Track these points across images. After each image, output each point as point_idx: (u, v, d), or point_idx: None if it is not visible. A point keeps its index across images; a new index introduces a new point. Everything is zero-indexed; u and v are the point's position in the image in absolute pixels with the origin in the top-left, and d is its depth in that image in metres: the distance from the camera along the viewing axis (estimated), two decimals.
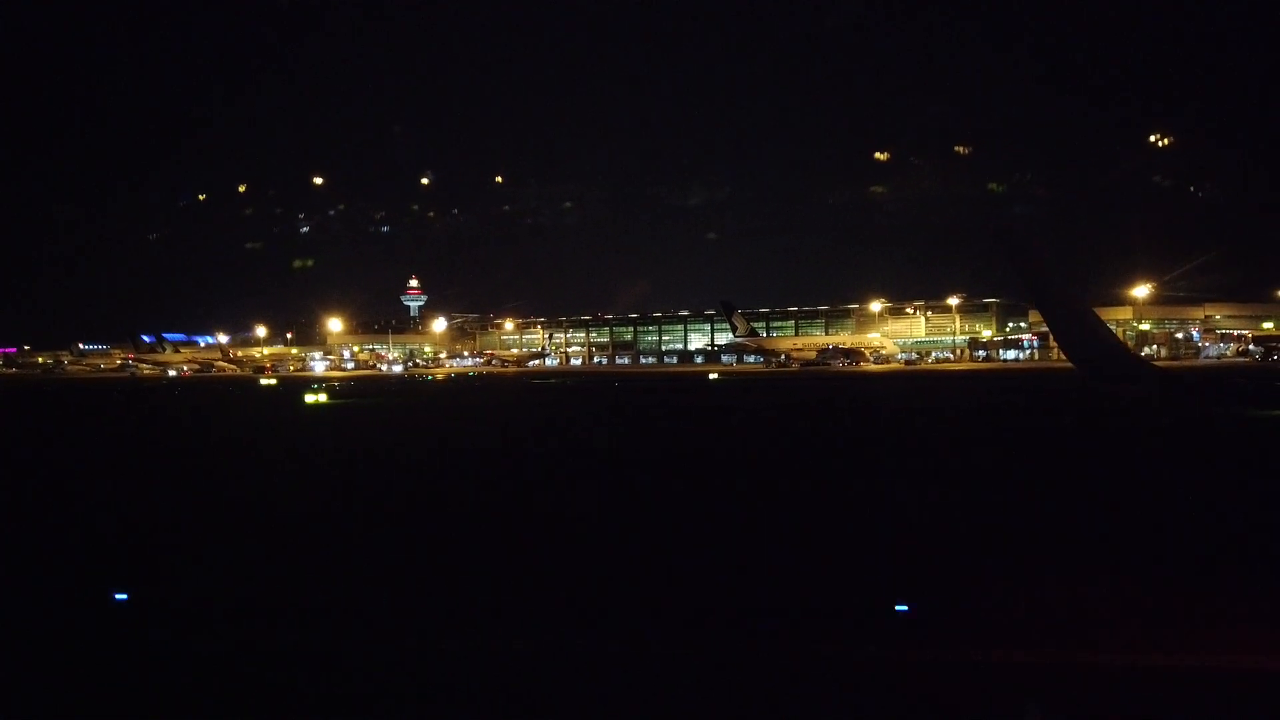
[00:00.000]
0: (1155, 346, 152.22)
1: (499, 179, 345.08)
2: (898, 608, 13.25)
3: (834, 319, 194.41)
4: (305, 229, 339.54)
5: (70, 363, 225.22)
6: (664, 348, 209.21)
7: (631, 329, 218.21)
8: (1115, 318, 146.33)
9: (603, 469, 29.76)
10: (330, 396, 72.43)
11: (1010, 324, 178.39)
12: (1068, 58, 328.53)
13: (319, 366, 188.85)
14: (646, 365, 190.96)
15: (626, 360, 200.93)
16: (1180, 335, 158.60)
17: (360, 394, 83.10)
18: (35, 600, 14.93)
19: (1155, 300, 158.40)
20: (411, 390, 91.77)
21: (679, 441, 38.18)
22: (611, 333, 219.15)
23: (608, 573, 16.11)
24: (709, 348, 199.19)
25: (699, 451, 33.56)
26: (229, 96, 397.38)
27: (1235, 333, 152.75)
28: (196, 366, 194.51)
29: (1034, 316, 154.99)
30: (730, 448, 34.92)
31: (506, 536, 19.09)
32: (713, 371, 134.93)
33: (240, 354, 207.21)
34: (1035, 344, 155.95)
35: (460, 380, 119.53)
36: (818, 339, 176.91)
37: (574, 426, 46.55)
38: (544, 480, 27.22)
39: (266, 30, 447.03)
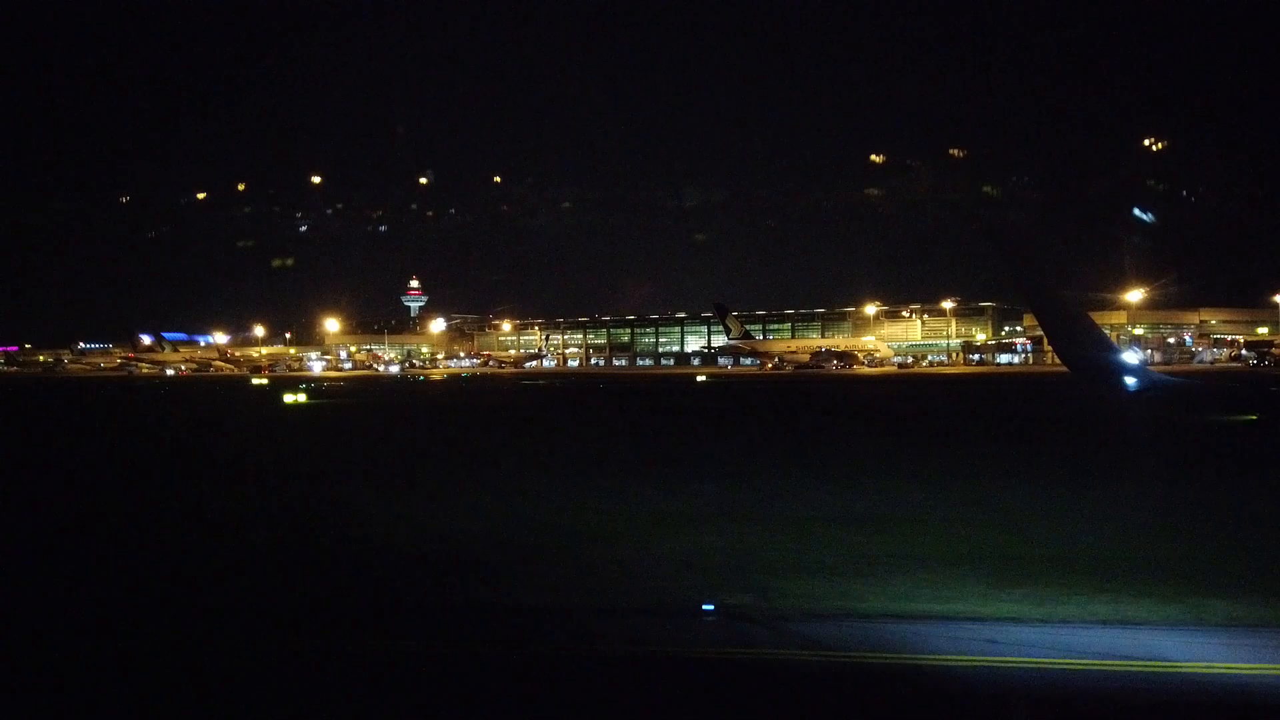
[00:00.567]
0: (1149, 351, 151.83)
1: (497, 179, 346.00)
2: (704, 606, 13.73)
3: (830, 322, 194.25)
4: (304, 228, 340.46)
5: (70, 361, 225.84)
6: (661, 350, 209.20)
7: (629, 331, 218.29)
8: (1109, 322, 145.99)
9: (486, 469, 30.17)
10: (308, 397, 72.72)
11: (1006, 328, 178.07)
12: (1062, 61, 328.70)
13: (316, 367, 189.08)
14: (643, 367, 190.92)
15: (623, 362, 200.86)
16: (1173, 340, 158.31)
17: (338, 395, 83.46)
18: None
19: (1149, 304, 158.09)
20: (393, 390, 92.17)
21: (604, 442, 38.77)
22: (609, 334, 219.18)
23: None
24: (705, 350, 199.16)
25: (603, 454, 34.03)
26: (229, 96, 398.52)
27: (1228, 338, 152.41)
28: (194, 366, 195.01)
29: (1029, 320, 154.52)
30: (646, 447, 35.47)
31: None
32: (702, 374, 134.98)
33: (238, 354, 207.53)
34: (1029, 348, 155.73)
35: (450, 381, 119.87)
36: (811, 342, 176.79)
37: (505, 427, 47.17)
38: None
39: (267, 30, 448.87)
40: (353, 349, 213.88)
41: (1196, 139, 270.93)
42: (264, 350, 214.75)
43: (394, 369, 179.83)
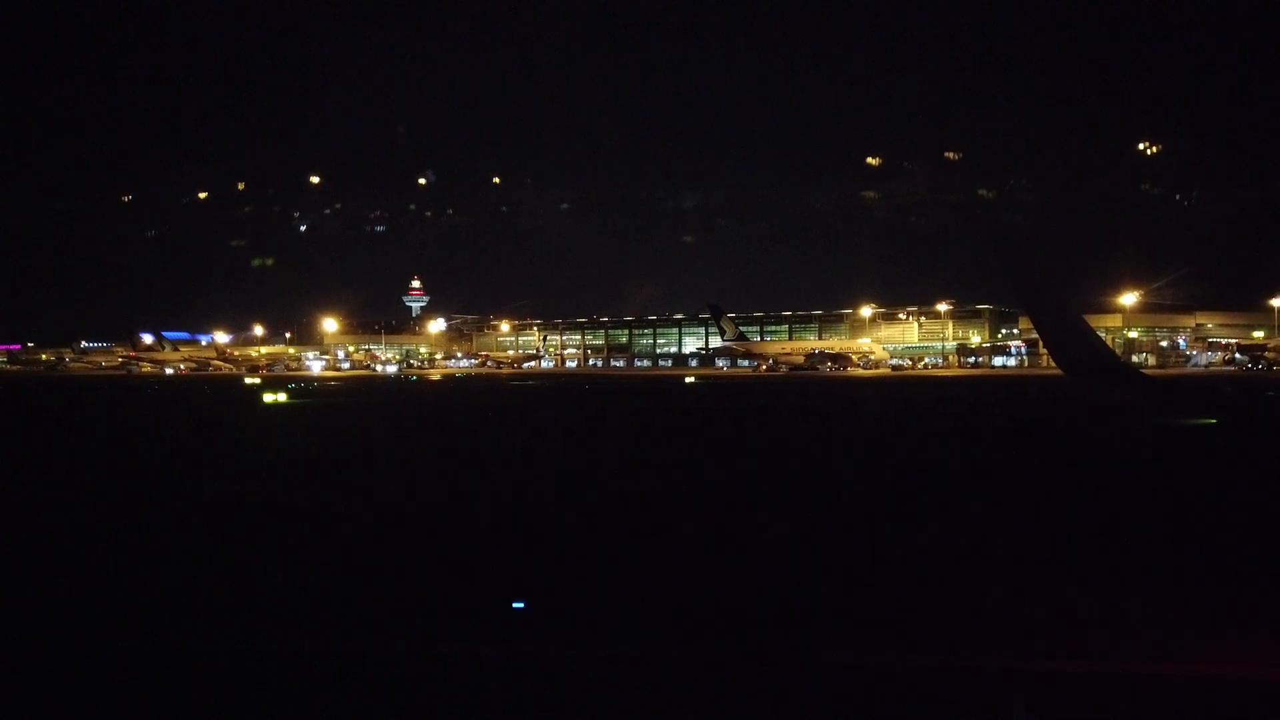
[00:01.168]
0: (1144, 354, 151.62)
1: (496, 180, 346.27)
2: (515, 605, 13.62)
3: (828, 324, 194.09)
4: (304, 227, 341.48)
5: (72, 360, 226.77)
6: (659, 351, 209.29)
7: (627, 332, 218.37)
8: (1104, 325, 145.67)
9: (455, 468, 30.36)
10: (291, 397, 73.03)
11: (1003, 330, 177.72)
12: (1059, 64, 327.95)
13: (315, 366, 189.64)
14: (640, 368, 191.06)
15: (621, 363, 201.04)
16: (1167, 343, 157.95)
17: (327, 394, 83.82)
18: None
19: (1144, 308, 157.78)
20: (385, 390, 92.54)
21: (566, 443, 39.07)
22: (606, 335, 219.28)
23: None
24: (702, 351, 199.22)
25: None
26: (229, 96, 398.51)
27: (1223, 341, 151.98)
28: (193, 365, 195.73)
29: (1025, 324, 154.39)
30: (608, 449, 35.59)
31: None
32: (692, 375, 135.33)
33: (238, 353, 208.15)
34: (1024, 351, 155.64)
35: (445, 381, 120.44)
36: (806, 344, 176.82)
37: (471, 428, 47.36)
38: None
39: (267, 30, 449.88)
40: (351, 349, 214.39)
41: (1193, 142, 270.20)
42: (263, 350, 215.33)
43: (391, 369, 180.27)
